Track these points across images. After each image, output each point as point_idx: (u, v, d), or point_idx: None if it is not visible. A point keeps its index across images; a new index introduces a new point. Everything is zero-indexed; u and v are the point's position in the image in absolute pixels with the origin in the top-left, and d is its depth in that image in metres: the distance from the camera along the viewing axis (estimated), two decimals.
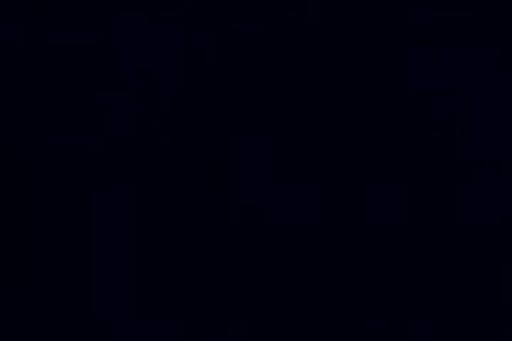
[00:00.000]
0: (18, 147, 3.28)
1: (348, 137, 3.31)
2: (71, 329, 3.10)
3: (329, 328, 3.08)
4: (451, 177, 3.26)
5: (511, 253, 3.16)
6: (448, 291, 3.12)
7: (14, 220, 3.21)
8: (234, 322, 3.11)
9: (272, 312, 3.12)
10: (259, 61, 3.36)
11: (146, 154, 3.30)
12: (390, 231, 3.19)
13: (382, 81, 3.34)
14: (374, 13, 3.37)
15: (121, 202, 3.25)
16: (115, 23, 3.36)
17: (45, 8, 3.35)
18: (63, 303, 3.13)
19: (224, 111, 3.34)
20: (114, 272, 3.17)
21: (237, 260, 3.19)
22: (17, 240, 3.20)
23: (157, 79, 3.36)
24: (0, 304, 3.12)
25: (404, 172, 3.27)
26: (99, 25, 3.35)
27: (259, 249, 3.21)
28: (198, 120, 3.34)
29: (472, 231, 3.20)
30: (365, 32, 3.36)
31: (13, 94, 3.32)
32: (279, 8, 3.38)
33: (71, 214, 3.22)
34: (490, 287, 3.12)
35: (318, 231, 3.22)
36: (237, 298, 3.14)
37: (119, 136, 3.31)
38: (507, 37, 3.33)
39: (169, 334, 3.10)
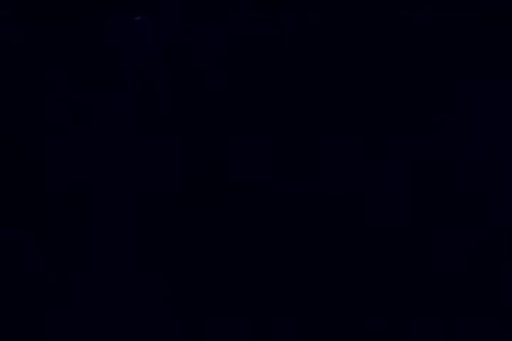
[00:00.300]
0: (18, 147, 3.28)
1: (347, 136, 3.31)
2: (72, 328, 3.10)
3: (329, 328, 3.08)
4: (451, 177, 3.26)
5: (511, 253, 3.17)
6: (448, 291, 3.12)
7: (15, 219, 3.22)
8: (233, 321, 3.11)
9: (272, 312, 3.13)
10: (259, 61, 3.37)
11: (146, 154, 3.30)
12: (389, 231, 3.20)
13: (382, 80, 3.35)
14: (374, 13, 3.37)
15: (121, 202, 3.25)
16: (115, 23, 3.37)
17: (45, 8, 3.36)
18: (63, 302, 3.14)
19: (224, 111, 3.34)
20: (113, 271, 3.18)
21: (237, 260, 3.19)
22: (17, 235, 3.20)
23: (157, 79, 3.37)
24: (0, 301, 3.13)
25: (404, 172, 3.27)
26: (99, 25, 3.35)
27: (258, 249, 3.21)
28: (197, 120, 3.34)
29: (470, 230, 3.20)
30: (365, 32, 3.36)
31: (13, 94, 3.32)
32: (279, 8, 3.38)
33: (71, 214, 3.22)
34: (490, 287, 3.12)
35: (317, 231, 3.22)
36: (234, 297, 3.14)
37: (119, 136, 3.31)
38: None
39: (169, 334, 3.10)
